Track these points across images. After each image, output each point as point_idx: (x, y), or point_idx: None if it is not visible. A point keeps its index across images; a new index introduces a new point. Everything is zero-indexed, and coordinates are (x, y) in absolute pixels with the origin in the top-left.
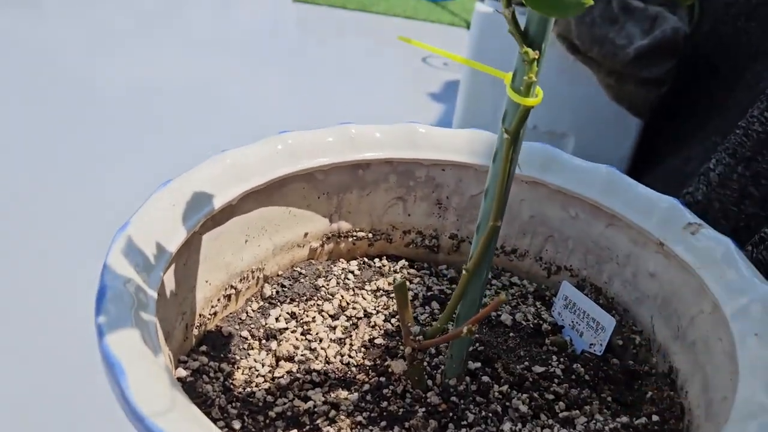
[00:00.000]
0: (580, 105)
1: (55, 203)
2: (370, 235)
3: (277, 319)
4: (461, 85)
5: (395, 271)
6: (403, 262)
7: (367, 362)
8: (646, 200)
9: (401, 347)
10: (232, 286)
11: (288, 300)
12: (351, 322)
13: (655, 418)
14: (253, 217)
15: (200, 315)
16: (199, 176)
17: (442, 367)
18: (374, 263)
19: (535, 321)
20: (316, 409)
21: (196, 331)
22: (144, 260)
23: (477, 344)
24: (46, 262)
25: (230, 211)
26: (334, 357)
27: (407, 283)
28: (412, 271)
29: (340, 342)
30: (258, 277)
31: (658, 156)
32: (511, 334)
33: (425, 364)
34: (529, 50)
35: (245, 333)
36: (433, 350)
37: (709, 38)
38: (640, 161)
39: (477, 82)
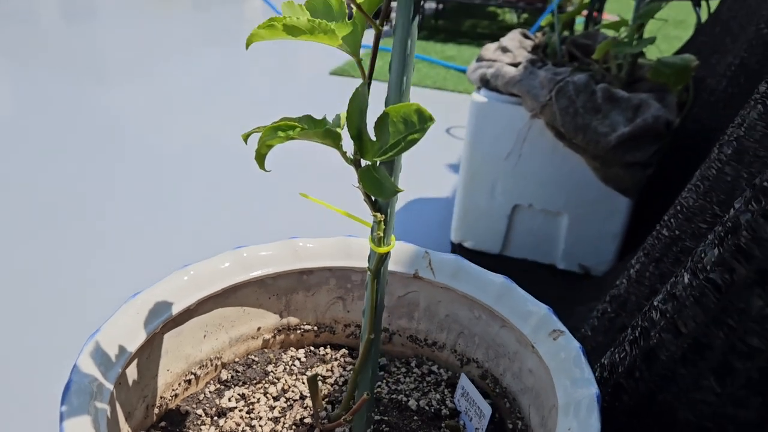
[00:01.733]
0: (572, 185)
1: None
2: (316, 328)
3: (229, 399)
4: (462, 163)
5: (335, 359)
6: (344, 350)
7: None
8: (526, 308)
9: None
10: (192, 373)
11: (240, 383)
12: (288, 403)
13: None
14: (211, 316)
15: (161, 397)
16: (163, 288)
17: None
18: (319, 351)
19: (438, 406)
20: None
21: (157, 410)
22: (107, 359)
23: (383, 425)
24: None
25: (189, 313)
26: None
27: (341, 369)
28: (349, 359)
29: (276, 420)
30: (216, 364)
31: (647, 232)
32: (415, 417)
33: None
34: (377, 214)
35: (200, 411)
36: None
37: (694, 121)
38: (632, 237)
39: (475, 161)
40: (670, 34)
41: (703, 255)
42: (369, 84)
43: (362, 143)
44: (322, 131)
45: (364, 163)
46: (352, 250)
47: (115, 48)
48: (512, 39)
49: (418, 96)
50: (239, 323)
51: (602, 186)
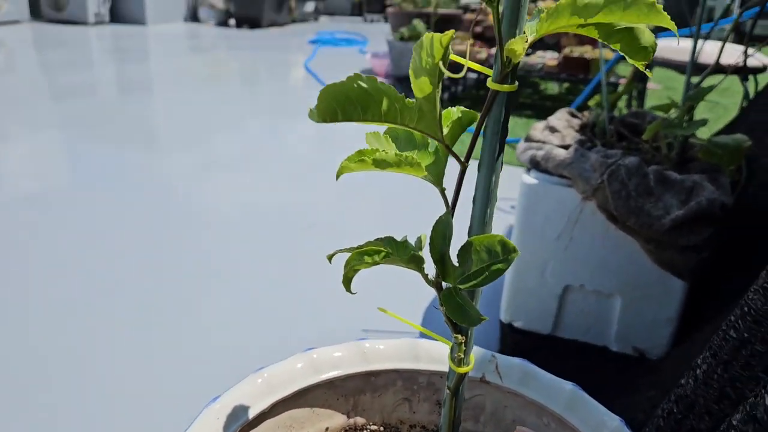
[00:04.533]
0: (625, 267)
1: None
2: (382, 428)
3: None
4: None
5: None
6: None
7: None
8: (599, 418)
9: None
10: None
11: None
12: None
13: None
14: (282, 417)
15: None
16: (240, 392)
17: None
18: None
19: None
20: None
21: None
22: None
23: None
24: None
25: (263, 416)
26: None
27: None
28: None
29: None
30: None
31: (703, 317)
32: None
33: None
34: (458, 336)
35: None
36: None
37: (749, 202)
38: (687, 321)
39: (526, 241)
40: (716, 103)
41: None
42: (452, 213)
43: (445, 267)
44: (408, 257)
45: (444, 285)
46: (420, 353)
47: (169, 120)
48: (560, 118)
49: (455, 167)
50: (308, 424)
51: (656, 268)
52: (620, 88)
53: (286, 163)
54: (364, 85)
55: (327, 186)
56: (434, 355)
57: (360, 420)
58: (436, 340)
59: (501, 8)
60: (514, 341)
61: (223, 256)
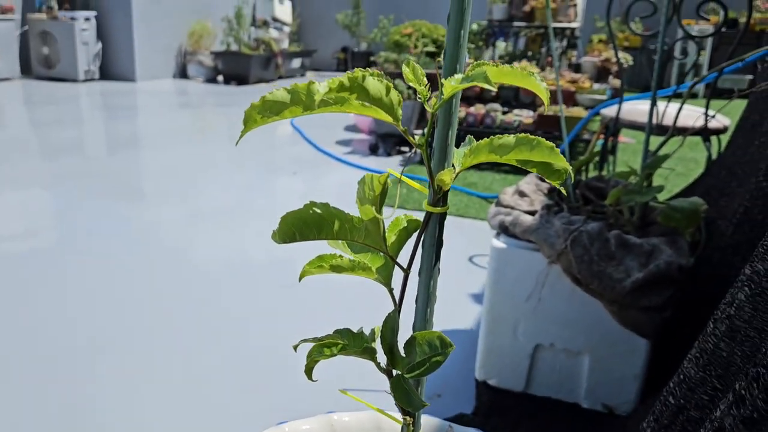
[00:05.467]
0: (592, 326)
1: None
2: None
3: None
4: (484, 303)
5: None
6: None
7: None
8: None
9: None
10: None
11: None
12: None
13: None
14: None
15: None
16: None
17: None
18: None
19: None
20: None
21: None
22: None
23: None
24: None
25: None
26: None
27: None
28: None
29: None
30: None
31: (669, 374)
32: None
33: None
34: (407, 417)
35: None
36: None
37: (707, 264)
38: (654, 378)
39: (497, 302)
40: (677, 171)
41: None
42: (399, 311)
43: (394, 357)
44: (361, 349)
45: (394, 373)
46: (383, 425)
47: (154, 173)
48: (529, 183)
49: None
50: None
51: (621, 328)
52: (591, 144)
53: (271, 218)
54: (318, 210)
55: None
56: (396, 427)
57: None
58: (395, 421)
59: (430, 150)
60: (488, 398)
61: (207, 310)
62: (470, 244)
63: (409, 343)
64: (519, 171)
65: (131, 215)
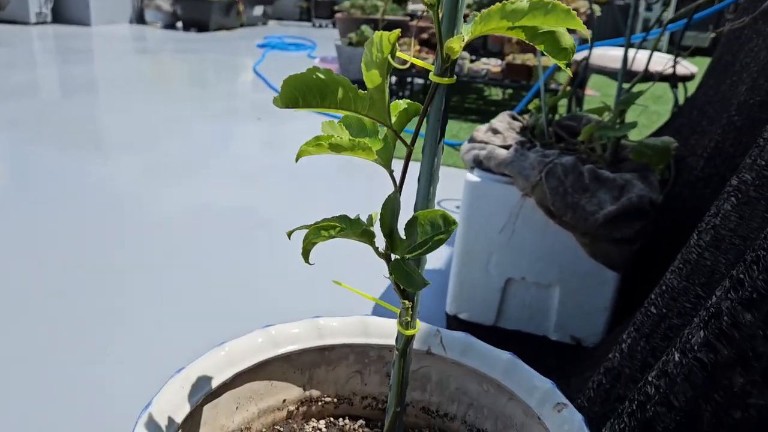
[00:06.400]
0: (563, 259)
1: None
2: (336, 400)
3: None
4: (457, 239)
5: (354, 429)
6: (361, 421)
7: None
8: (532, 382)
9: None
10: None
11: None
12: None
13: None
14: (243, 389)
15: None
16: (202, 364)
17: None
18: (338, 422)
19: None
20: None
21: None
22: (158, 430)
23: None
24: None
25: (225, 387)
26: None
27: None
28: (366, 429)
29: None
30: None
31: (635, 306)
32: None
33: None
34: (406, 301)
35: None
36: None
37: (677, 199)
38: (621, 310)
39: (470, 237)
40: (649, 109)
41: (690, 336)
42: (400, 191)
43: (393, 241)
44: (360, 231)
45: (393, 257)
46: (370, 328)
47: (114, 122)
48: (502, 121)
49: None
50: (267, 396)
51: (592, 261)
52: (560, 92)
53: (235, 165)
54: (322, 76)
55: (277, 187)
56: (383, 330)
57: (315, 392)
58: (387, 311)
59: (441, 13)
60: None
61: (173, 252)
62: (439, 189)
63: (410, 224)
64: (486, 119)
65: (86, 163)
